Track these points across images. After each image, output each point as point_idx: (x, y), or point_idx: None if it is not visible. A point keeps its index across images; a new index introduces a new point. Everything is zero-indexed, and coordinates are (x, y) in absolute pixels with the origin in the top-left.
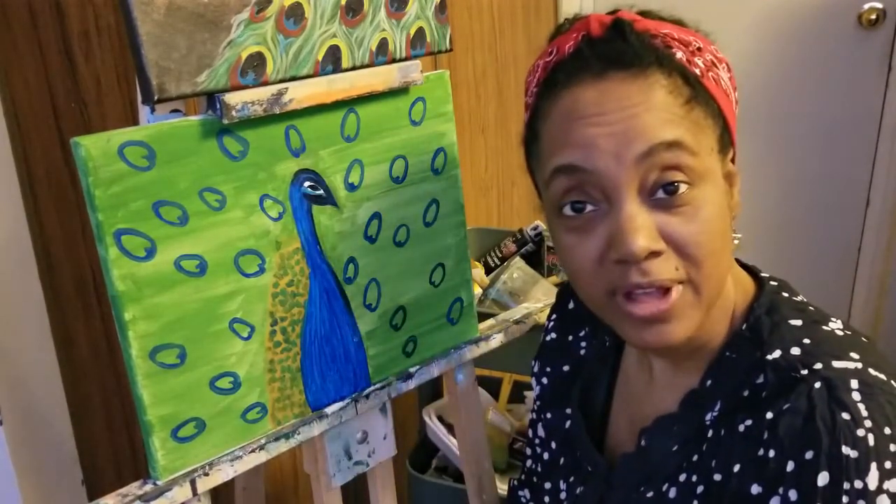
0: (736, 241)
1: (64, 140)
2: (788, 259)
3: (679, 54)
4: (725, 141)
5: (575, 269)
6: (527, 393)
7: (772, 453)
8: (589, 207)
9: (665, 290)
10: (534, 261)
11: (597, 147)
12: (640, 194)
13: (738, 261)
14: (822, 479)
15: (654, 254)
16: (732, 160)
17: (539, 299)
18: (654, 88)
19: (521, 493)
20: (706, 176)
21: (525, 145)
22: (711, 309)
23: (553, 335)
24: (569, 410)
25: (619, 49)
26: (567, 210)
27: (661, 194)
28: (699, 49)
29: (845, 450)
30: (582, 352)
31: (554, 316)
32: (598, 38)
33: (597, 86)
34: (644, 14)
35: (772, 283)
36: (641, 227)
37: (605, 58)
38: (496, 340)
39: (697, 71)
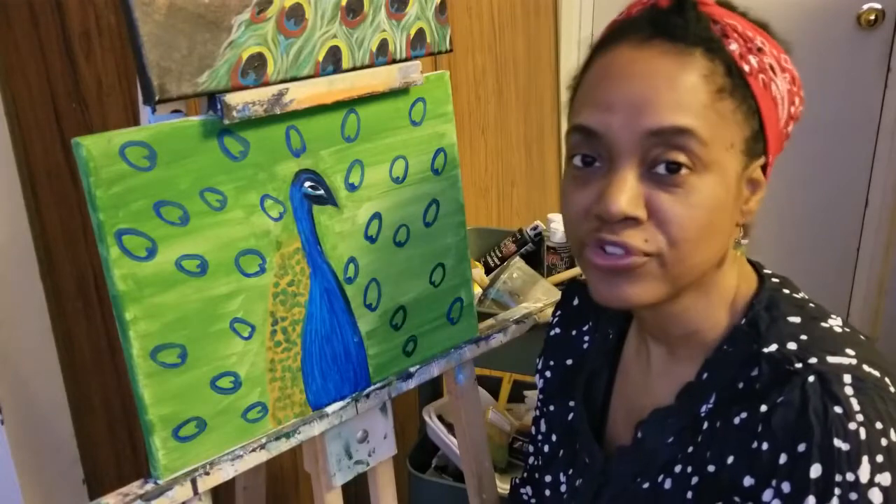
0: (742, 245)
1: (65, 140)
2: (788, 258)
3: (733, 46)
4: (756, 146)
5: (566, 214)
6: (527, 392)
7: (765, 446)
8: (597, 163)
9: (629, 253)
10: (534, 261)
11: (613, 114)
12: (641, 165)
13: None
14: (815, 471)
15: (631, 220)
16: (765, 170)
17: (539, 299)
18: (690, 68)
19: (523, 490)
20: (711, 167)
21: (571, 91)
22: (680, 292)
23: (557, 330)
24: (572, 403)
25: (673, 22)
26: (577, 161)
27: (661, 170)
28: (759, 50)
29: (837, 442)
30: (585, 346)
31: (559, 312)
32: (663, 8)
33: (639, 49)
34: (720, 3)
35: (773, 279)
36: (627, 191)
37: (657, 26)
38: (496, 340)
39: (746, 67)
